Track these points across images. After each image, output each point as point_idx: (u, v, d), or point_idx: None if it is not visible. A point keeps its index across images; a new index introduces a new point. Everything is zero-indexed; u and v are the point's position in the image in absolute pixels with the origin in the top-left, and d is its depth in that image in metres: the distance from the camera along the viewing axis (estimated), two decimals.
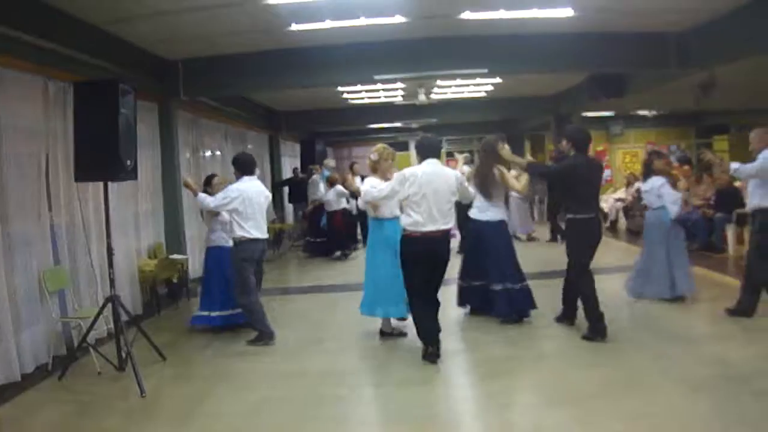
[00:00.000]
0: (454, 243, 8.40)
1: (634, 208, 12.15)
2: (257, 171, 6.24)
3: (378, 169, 5.84)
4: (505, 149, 5.99)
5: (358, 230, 12.33)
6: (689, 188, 10.69)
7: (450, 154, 17.09)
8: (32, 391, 4.93)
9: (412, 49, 7.92)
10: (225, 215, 6.27)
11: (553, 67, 8.73)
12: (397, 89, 11.88)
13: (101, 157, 4.90)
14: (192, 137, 9.81)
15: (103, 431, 4.18)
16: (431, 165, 5.10)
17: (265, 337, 5.90)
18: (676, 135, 19.92)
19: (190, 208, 8.59)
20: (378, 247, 5.84)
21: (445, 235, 5.14)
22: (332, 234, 11.48)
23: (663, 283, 6.53)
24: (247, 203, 5.82)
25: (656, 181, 6.67)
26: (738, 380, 4.30)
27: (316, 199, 12.32)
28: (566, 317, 5.93)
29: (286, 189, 14.63)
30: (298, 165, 15.17)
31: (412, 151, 22.69)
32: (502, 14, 6.73)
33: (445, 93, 12.57)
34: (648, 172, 6.87)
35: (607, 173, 17.40)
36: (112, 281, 5.19)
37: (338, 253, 11.34)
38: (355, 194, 6.15)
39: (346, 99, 12.82)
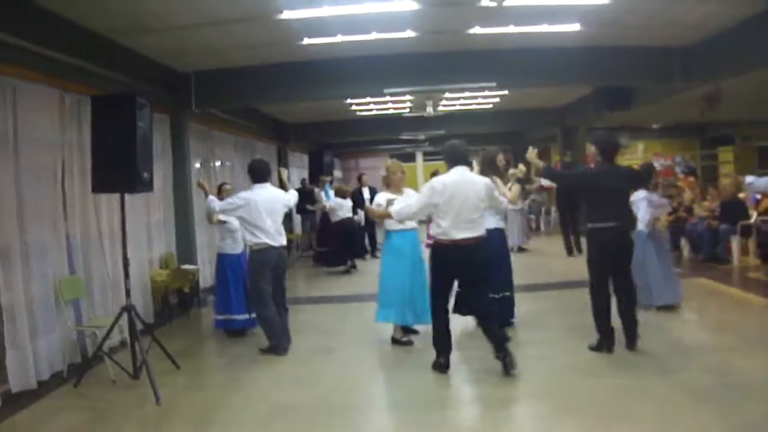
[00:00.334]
0: None
1: None
2: (270, 178, 6.24)
3: (390, 183, 6.00)
4: (532, 153, 5.88)
5: (366, 240, 12.53)
6: (694, 199, 10.78)
7: None
8: (48, 399, 4.99)
9: (421, 63, 8.03)
10: (232, 224, 6.51)
11: (560, 81, 8.85)
12: (405, 101, 12.00)
13: (119, 169, 4.98)
14: (203, 148, 9.91)
15: None
16: (460, 173, 5.00)
17: (277, 351, 5.91)
18: (680, 146, 19.99)
19: (201, 219, 8.68)
20: (390, 256, 5.99)
21: (477, 242, 4.95)
22: (336, 244, 11.53)
23: (641, 291, 6.35)
24: (254, 212, 5.84)
25: (639, 194, 6.77)
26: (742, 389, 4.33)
27: (313, 209, 12.57)
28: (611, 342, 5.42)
29: None
30: (306, 176, 15.28)
31: (419, 163, 22.74)
32: (511, 29, 6.83)
33: (453, 105, 12.66)
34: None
35: None
36: (128, 291, 5.25)
37: (342, 267, 11.24)
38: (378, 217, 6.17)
39: (355, 111, 12.94)
